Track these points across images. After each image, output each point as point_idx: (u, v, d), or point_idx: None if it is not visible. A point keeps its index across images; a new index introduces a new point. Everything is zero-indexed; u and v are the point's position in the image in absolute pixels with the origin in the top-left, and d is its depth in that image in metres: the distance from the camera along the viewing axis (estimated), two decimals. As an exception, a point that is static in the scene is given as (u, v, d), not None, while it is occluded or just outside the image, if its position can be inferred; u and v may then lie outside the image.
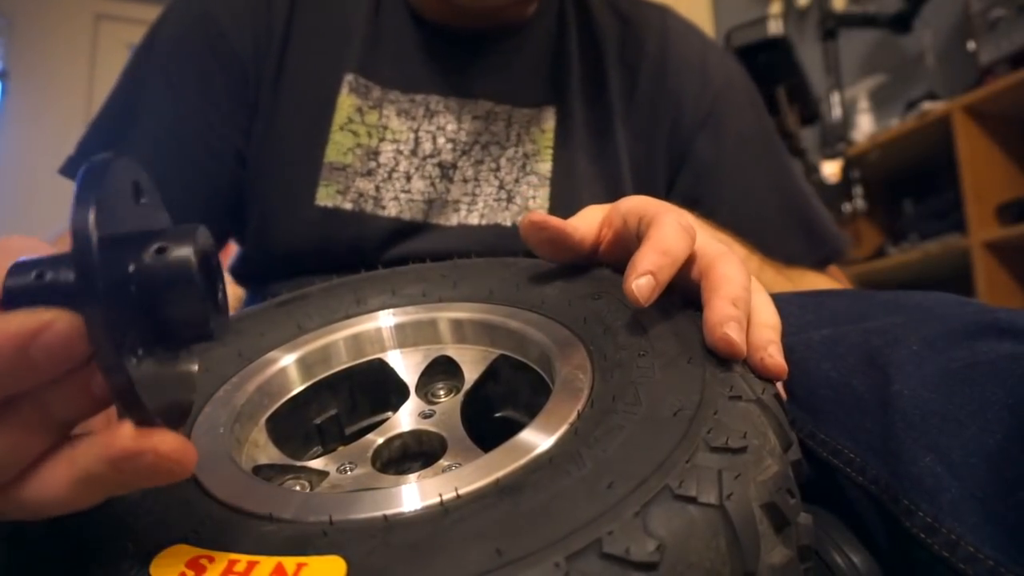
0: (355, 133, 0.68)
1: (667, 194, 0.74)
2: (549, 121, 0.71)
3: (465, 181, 0.69)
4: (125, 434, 0.22)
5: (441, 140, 0.69)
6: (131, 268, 0.23)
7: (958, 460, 0.33)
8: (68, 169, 0.68)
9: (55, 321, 0.21)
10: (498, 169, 0.70)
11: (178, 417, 0.24)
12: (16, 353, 0.21)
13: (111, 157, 0.23)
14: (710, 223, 0.52)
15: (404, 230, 0.68)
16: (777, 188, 0.74)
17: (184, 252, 0.23)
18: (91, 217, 0.21)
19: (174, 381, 0.25)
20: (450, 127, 0.70)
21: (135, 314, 0.22)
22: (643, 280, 0.34)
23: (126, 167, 0.24)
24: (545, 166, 0.70)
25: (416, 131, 0.69)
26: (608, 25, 0.74)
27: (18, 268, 0.23)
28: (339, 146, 0.68)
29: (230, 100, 0.69)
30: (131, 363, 0.21)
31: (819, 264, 0.74)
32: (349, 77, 0.69)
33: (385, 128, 0.69)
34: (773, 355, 0.33)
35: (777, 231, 0.71)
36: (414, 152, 0.69)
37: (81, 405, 0.23)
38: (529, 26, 0.73)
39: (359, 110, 0.68)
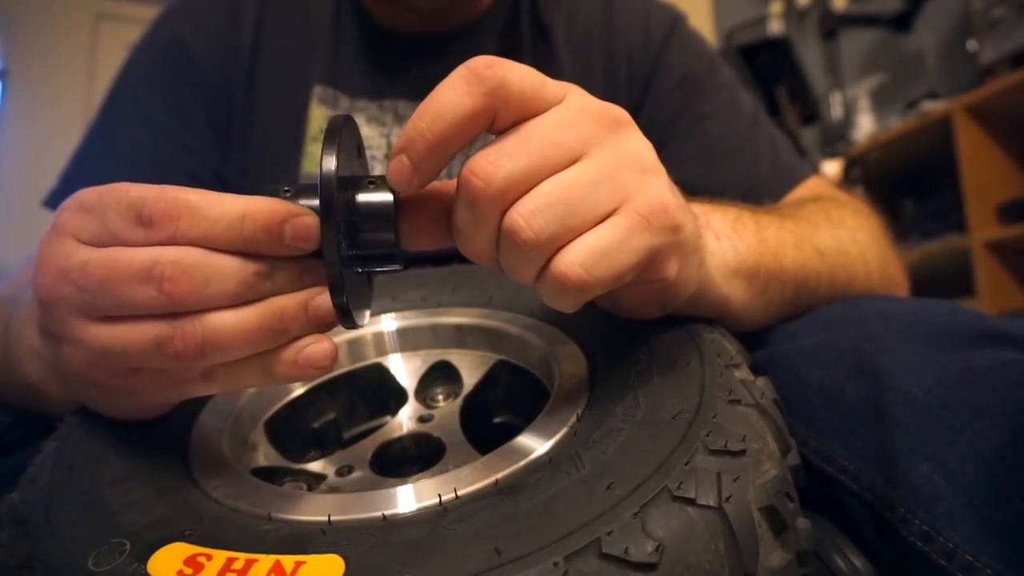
0: None
1: None
2: None
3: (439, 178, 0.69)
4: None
5: None
6: (352, 200, 0.31)
7: (955, 467, 0.32)
8: (51, 201, 0.68)
9: (306, 215, 0.30)
10: None
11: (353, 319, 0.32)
12: (279, 225, 0.30)
13: (346, 118, 0.31)
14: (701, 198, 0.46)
15: None
16: (731, 122, 0.71)
17: (387, 195, 0.31)
18: (334, 161, 0.29)
19: (359, 292, 0.33)
20: None
21: (349, 233, 0.30)
22: (393, 163, 0.30)
23: (353, 130, 0.32)
24: None
25: (388, 136, 0.70)
26: (557, 14, 0.74)
27: (270, 190, 0.31)
28: (313, 158, 0.68)
29: (205, 122, 0.69)
30: (341, 263, 0.30)
31: (788, 191, 0.68)
32: (318, 89, 0.69)
33: None
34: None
35: (745, 169, 0.68)
36: (388, 156, 0.70)
37: (294, 286, 0.32)
38: (484, 23, 0.73)
39: None
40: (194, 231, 0.30)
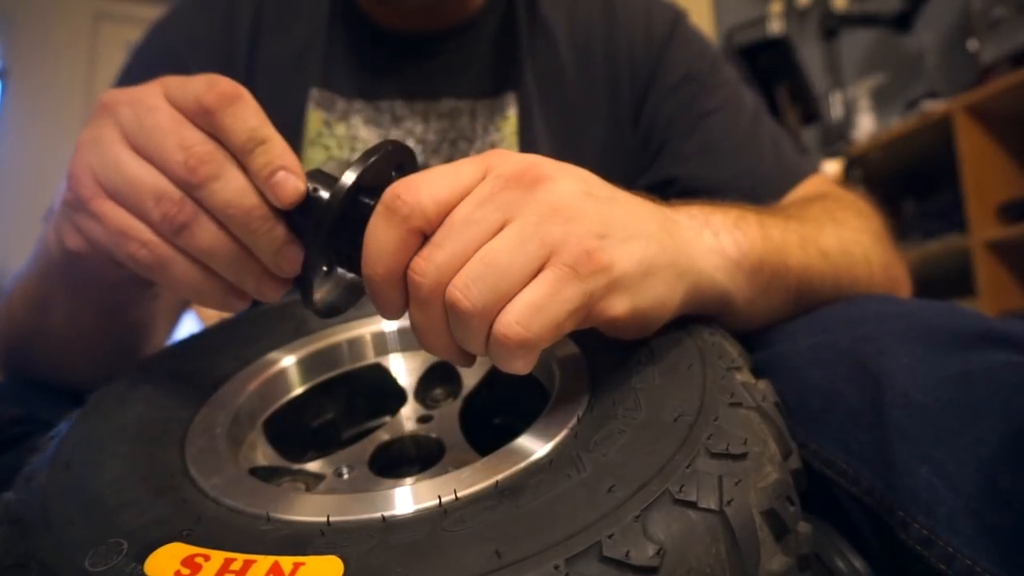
0: (326, 147, 0.69)
1: (649, 166, 0.71)
2: (511, 107, 0.71)
3: None
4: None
5: (411, 143, 0.70)
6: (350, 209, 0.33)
7: (953, 471, 0.32)
8: None
9: (296, 180, 0.35)
10: None
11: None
12: (272, 171, 0.34)
13: (387, 145, 0.34)
14: (703, 200, 0.45)
15: None
16: (734, 119, 0.70)
17: (335, 186, 0.33)
18: (352, 178, 0.32)
19: (341, 289, 0.36)
20: (418, 129, 0.70)
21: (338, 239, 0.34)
22: (375, 302, 0.34)
23: (395, 152, 0.35)
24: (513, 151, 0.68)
25: (385, 138, 0.70)
26: (557, 12, 0.74)
27: (312, 174, 0.35)
28: (311, 161, 0.68)
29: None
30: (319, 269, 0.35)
31: (791, 188, 0.68)
32: (314, 92, 0.69)
33: (355, 139, 0.69)
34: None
35: (749, 165, 0.68)
36: None
37: (270, 238, 0.35)
38: (479, 21, 0.73)
39: (327, 123, 0.69)
40: (230, 122, 0.35)
